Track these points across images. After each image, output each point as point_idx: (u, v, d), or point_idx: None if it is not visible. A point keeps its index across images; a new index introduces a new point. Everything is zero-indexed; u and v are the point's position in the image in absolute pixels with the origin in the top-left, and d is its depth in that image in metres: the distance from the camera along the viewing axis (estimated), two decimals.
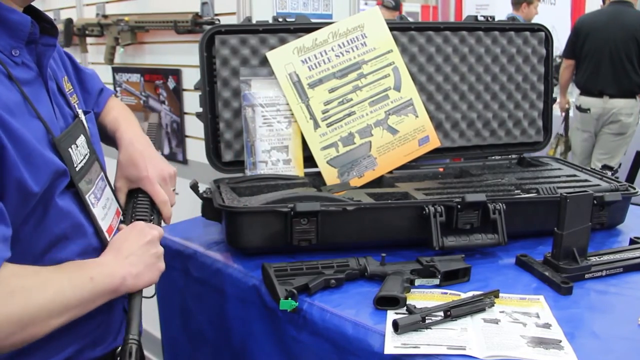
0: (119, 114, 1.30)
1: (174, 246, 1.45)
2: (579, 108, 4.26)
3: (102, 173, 1.11)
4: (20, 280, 0.83)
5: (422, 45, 1.78)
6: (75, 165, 0.98)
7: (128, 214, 1.16)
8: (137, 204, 1.18)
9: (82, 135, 1.06)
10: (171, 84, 2.35)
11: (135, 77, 2.55)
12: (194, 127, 2.29)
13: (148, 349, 2.73)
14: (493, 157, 1.95)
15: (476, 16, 1.85)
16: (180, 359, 1.54)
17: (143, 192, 1.21)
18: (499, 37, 1.85)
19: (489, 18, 1.85)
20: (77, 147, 1.01)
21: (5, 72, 0.89)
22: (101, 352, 1.09)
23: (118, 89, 2.67)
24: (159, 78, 2.41)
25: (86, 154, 1.05)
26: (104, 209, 1.07)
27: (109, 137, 1.30)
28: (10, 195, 0.85)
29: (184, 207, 1.53)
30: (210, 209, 1.38)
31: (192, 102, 2.28)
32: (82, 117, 1.10)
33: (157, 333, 1.94)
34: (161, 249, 1.09)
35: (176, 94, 2.33)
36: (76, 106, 1.10)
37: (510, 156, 1.95)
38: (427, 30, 1.80)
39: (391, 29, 1.72)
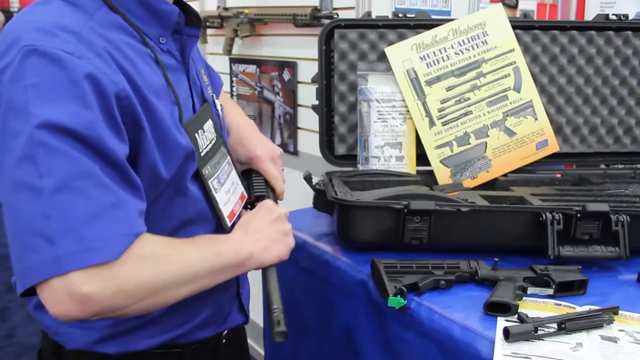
0: (225, 102, 1.35)
1: None
2: None
3: (228, 157, 1.15)
4: (154, 247, 0.87)
5: (545, 45, 1.71)
6: (200, 150, 1.02)
7: (246, 192, 1.21)
8: (254, 182, 1.23)
9: (209, 119, 1.09)
10: (286, 76, 2.40)
11: (252, 68, 2.63)
12: (307, 120, 2.33)
13: (250, 337, 2.82)
14: (615, 166, 1.85)
15: (607, 14, 1.76)
16: (281, 348, 1.58)
17: (255, 171, 1.26)
18: (632, 38, 1.75)
19: (622, 17, 1.75)
20: (203, 131, 1.05)
21: (154, 57, 0.95)
22: (210, 333, 1.13)
23: (234, 79, 2.76)
24: (275, 70, 2.47)
25: (212, 139, 1.09)
26: (227, 194, 1.10)
27: None
28: (144, 177, 0.89)
29: (295, 197, 1.56)
30: (323, 201, 1.40)
31: (306, 94, 2.32)
32: (215, 102, 1.15)
33: (260, 321, 2.00)
34: (289, 226, 1.11)
35: (290, 86, 2.38)
36: (213, 96, 1.16)
37: (635, 166, 1.84)
38: (552, 29, 1.73)
39: (514, 28, 1.67)
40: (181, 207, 0.99)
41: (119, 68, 0.85)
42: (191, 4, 3.13)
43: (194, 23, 1.05)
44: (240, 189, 1.18)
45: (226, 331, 1.19)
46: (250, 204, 1.19)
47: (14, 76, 0.78)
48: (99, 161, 0.80)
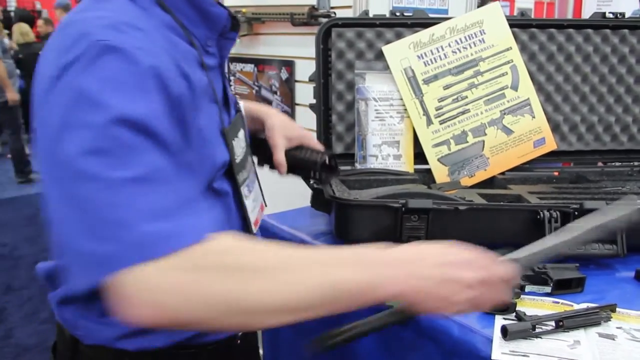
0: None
1: (282, 234, 1.49)
2: None
3: (253, 167, 1.17)
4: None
5: (543, 43, 1.72)
6: (235, 157, 1.01)
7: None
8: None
9: (242, 128, 1.10)
10: (284, 75, 2.40)
11: (249, 67, 2.63)
12: (304, 118, 2.32)
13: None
14: (612, 164, 1.85)
15: (604, 13, 1.76)
16: (281, 346, 1.58)
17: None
18: (629, 36, 1.75)
19: (618, 15, 1.75)
20: (238, 139, 1.05)
21: (199, 59, 0.94)
22: (226, 334, 1.09)
23: (232, 78, 2.76)
24: (272, 69, 2.47)
25: (244, 147, 1.09)
26: (253, 202, 1.11)
27: None
28: None
29: (292, 196, 1.56)
30: (320, 199, 1.40)
31: (303, 93, 2.32)
32: (243, 111, 1.16)
33: None
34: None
35: (288, 85, 2.38)
36: (237, 100, 1.16)
37: (632, 163, 1.84)
38: (549, 27, 1.73)
39: (511, 26, 1.67)
40: (209, 203, 0.96)
41: (178, 69, 0.84)
42: None
43: (233, 26, 1.04)
44: (260, 199, 1.19)
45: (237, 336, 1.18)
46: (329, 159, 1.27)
47: (87, 68, 0.75)
48: (170, 158, 0.78)
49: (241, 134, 1.08)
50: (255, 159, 1.22)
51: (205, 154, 0.91)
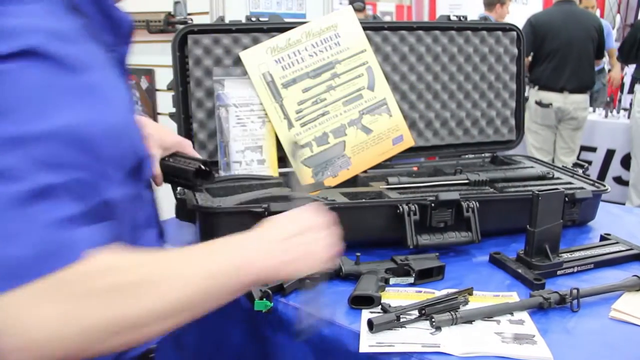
0: None
1: None
2: (540, 103, 4.40)
3: None
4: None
5: (395, 44, 1.79)
6: None
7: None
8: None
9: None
10: (144, 84, 2.33)
11: None
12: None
13: None
14: (467, 156, 1.97)
15: (449, 16, 1.87)
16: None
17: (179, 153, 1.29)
18: (472, 37, 1.87)
19: (461, 18, 1.87)
20: None
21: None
22: (135, 352, 1.03)
23: None
24: (132, 78, 2.39)
25: None
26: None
27: None
28: None
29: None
30: (184, 209, 1.37)
31: (165, 102, 2.27)
32: None
33: None
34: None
35: (149, 94, 2.32)
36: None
37: (483, 155, 1.97)
38: (400, 29, 1.81)
39: (364, 29, 1.72)
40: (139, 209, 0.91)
41: None
42: None
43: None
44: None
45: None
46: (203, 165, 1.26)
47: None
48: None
49: None
50: None
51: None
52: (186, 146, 1.30)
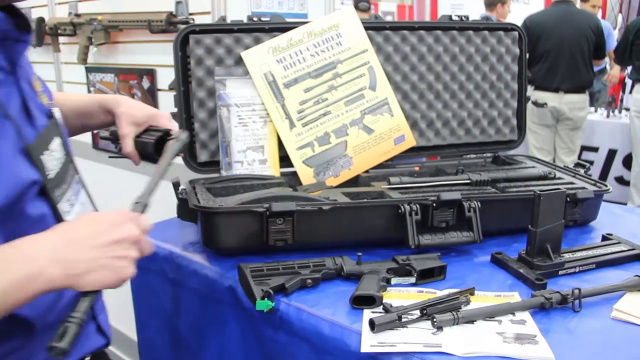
0: (61, 97, 1.26)
1: None
2: (535, 103, 4.41)
3: (77, 175, 1.06)
4: None
5: (397, 44, 1.79)
6: (47, 173, 0.92)
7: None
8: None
9: (56, 137, 0.99)
10: (146, 84, 2.33)
11: (109, 77, 2.52)
12: None
13: (124, 351, 2.71)
14: (468, 156, 1.97)
15: (450, 16, 1.86)
16: None
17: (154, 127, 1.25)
18: (473, 37, 1.87)
19: (463, 17, 1.86)
20: (51, 152, 0.95)
21: None
22: None
23: (92, 89, 2.64)
24: (133, 78, 2.39)
25: (60, 158, 0.99)
26: (77, 215, 1.01)
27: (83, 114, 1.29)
28: None
29: (159, 208, 1.51)
30: (186, 209, 1.37)
31: (166, 102, 2.26)
32: (58, 116, 1.03)
33: (133, 335, 1.92)
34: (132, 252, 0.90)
35: (151, 94, 2.31)
36: (50, 106, 1.03)
37: (485, 155, 1.97)
38: (401, 29, 1.80)
39: (366, 29, 1.72)
40: (24, 231, 0.85)
41: None
42: (39, 9, 2.94)
43: (22, 27, 0.92)
44: (90, 207, 1.10)
45: (89, 357, 1.11)
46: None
47: None
48: None
49: (55, 144, 0.98)
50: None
51: (3, 178, 0.82)
52: (158, 118, 1.25)
